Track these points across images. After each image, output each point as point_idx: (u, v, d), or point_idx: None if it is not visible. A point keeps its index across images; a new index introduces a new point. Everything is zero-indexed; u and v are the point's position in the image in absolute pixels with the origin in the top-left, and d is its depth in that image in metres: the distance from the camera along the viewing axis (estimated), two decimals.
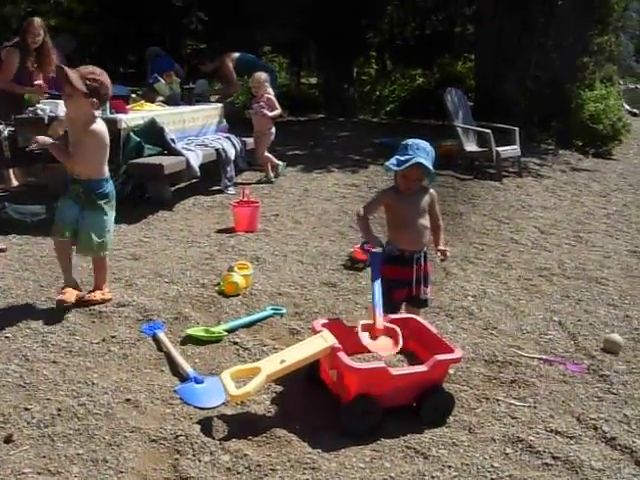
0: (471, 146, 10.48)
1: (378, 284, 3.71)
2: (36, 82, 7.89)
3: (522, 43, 13.67)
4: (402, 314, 3.96)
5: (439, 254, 4.11)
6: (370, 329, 3.56)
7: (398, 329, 3.56)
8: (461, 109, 10.81)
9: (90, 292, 4.56)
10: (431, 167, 3.77)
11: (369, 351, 3.48)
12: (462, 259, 6.08)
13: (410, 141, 3.88)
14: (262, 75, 8.81)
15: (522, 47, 13.66)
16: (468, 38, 17.60)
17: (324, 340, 3.37)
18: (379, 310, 3.62)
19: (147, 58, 11.39)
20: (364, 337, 3.48)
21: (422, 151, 3.80)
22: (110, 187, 4.51)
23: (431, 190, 4.02)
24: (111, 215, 4.55)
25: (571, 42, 13.93)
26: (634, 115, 21.96)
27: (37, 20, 7.90)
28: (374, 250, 3.89)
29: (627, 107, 19.28)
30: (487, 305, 5.08)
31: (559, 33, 13.70)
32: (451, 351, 3.46)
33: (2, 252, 4.80)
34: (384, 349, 3.45)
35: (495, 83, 14.23)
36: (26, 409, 3.26)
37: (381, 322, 3.58)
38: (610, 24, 15.09)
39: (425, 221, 3.98)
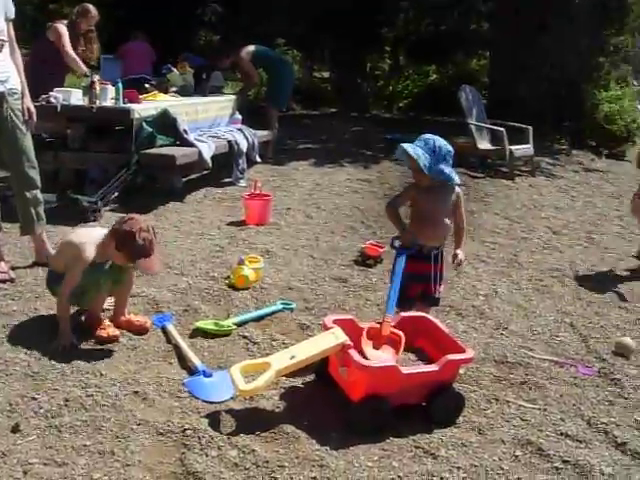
0: (484, 144, 10.42)
1: (397, 285, 3.68)
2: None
3: (538, 42, 13.59)
4: (414, 312, 3.93)
5: (454, 258, 4.06)
6: (375, 335, 3.56)
7: (402, 335, 3.55)
8: (475, 107, 10.75)
9: None
10: (418, 154, 3.72)
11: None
12: (474, 258, 6.04)
13: (424, 135, 3.86)
14: None
15: (537, 46, 13.58)
16: (483, 35, 17.51)
17: (335, 337, 3.35)
18: (389, 315, 3.61)
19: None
20: (367, 347, 3.49)
21: (421, 142, 3.79)
22: None
23: (457, 190, 3.97)
24: None
25: (587, 42, 13.85)
26: None
27: (93, 8, 7.86)
28: (402, 247, 3.87)
29: None
30: (498, 305, 5.05)
31: (575, 32, 13.61)
32: (462, 351, 3.43)
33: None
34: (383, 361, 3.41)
35: (509, 81, 14.16)
36: (33, 399, 3.25)
37: (388, 329, 3.57)
38: (627, 24, 14.97)
39: (446, 219, 3.95)
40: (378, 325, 3.62)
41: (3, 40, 4.55)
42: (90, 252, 3.80)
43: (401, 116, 16.98)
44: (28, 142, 4.86)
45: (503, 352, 4.20)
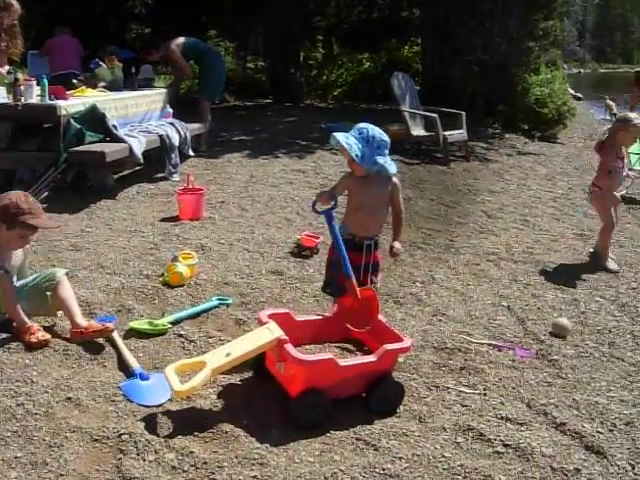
0: (418, 130, 10.48)
1: (342, 248, 3.64)
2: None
3: (468, 27, 13.72)
4: None
5: (391, 249, 4.02)
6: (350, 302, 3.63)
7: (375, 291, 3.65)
8: (408, 93, 10.79)
9: None
10: (351, 144, 3.66)
11: (316, 341, 3.45)
12: (410, 245, 6.05)
13: (359, 124, 3.81)
14: None
15: (468, 31, 13.71)
16: (415, 22, 17.61)
17: (270, 332, 3.29)
18: (350, 277, 3.62)
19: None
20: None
21: (355, 131, 3.74)
22: None
23: (394, 180, 3.91)
24: None
25: (516, 27, 14.03)
26: (578, 99, 22.30)
27: (16, 2, 7.59)
28: (326, 207, 3.74)
29: (571, 91, 19.53)
30: (436, 291, 5.07)
31: (505, 17, 13.79)
32: (400, 340, 3.42)
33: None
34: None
35: (441, 67, 14.29)
36: None
37: (357, 290, 3.62)
38: (555, 9, 15.22)
39: (380, 209, 3.90)
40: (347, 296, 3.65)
41: None
42: None
43: (336, 105, 16.99)
44: None
45: (442, 338, 4.21)
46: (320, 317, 3.85)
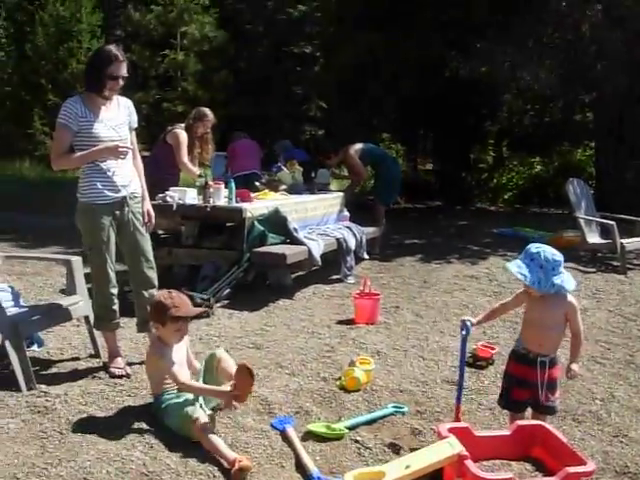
0: (594, 238, 10.24)
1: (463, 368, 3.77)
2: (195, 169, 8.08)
3: None
4: (529, 420, 3.85)
5: (568, 371, 3.95)
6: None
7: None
8: (584, 200, 10.61)
9: None
10: (526, 275, 3.72)
11: (494, 458, 3.42)
12: (588, 359, 5.87)
13: (528, 245, 3.88)
14: None
15: None
16: (588, 125, 17.41)
17: (451, 446, 3.30)
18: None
19: (276, 150, 11.63)
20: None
21: (527, 258, 3.78)
22: None
23: (569, 299, 3.88)
24: None
25: None
26: None
27: (210, 112, 8.22)
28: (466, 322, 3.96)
29: None
30: (616, 410, 4.86)
31: None
32: (582, 463, 3.32)
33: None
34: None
35: (616, 171, 13.98)
36: None
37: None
38: None
39: (553, 327, 3.88)
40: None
41: (128, 148, 4.83)
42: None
43: (507, 209, 16.89)
44: (147, 244, 5.10)
45: (624, 462, 4.02)
46: (499, 434, 3.82)
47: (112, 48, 4.80)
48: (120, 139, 4.82)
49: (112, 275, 4.95)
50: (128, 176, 4.94)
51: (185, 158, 7.75)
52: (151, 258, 5.13)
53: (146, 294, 5.07)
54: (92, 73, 4.76)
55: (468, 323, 3.97)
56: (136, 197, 5.02)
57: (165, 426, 4.04)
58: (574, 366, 3.91)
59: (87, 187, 4.79)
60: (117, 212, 4.87)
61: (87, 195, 4.79)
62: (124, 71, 4.78)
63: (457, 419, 4.01)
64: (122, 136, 4.86)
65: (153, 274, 5.14)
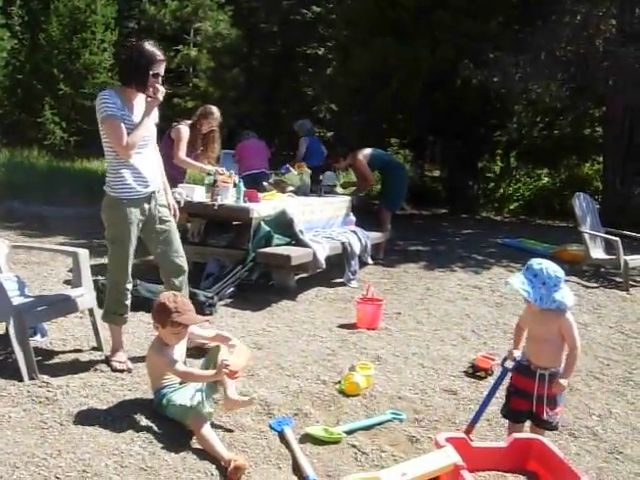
0: (598, 253, 10.24)
1: (488, 401, 3.74)
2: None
3: None
4: (526, 434, 3.88)
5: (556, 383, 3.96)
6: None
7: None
8: (589, 215, 10.61)
9: None
10: (528, 291, 3.77)
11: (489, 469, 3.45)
12: (587, 374, 5.89)
13: (531, 261, 3.90)
14: None
15: None
16: (597, 140, 17.40)
17: (448, 456, 3.33)
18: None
19: (298, 131, 11.64)
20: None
21: (530, 274, 3.82)
22: None
23: (566, 316, 3.90)
24: None
25: None
26: None
27: (216, 110, 8.26)
28: (507, 365, 4.01)
29: None
30: (613, 426, 4.88)
31: None
32: (577, 478, 3.34)
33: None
34: None
35: (623, 187, 13.99)
36: None
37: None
38: None
39: (550, 341, 3.91)
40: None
41: (154, 144, 4.94)
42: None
43: (512, 219, 16.89)
44: (176, 235, 5.19)
45: (618, 479, 4.05)
46: (496, 446, 3.84)
47: (154, 48, 4.83)
48: (149, 133, 4.92)
49: (129, 271, 5.00)
50: (155, 171, 5.04)
51: (181, 152, 7.80)
52: (180, 247, 5.22)
53: (176, 282, 5.18)
54: (136, 71, 4.77)
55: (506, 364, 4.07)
56: (160, 191, 5.11)
57: (166, 418, 4.10)
58: (562, 380, 3.91)
59: (118, 182, 4.82)
60: (145, 206, 4.94)
61: (117, 190, 4.83)
62: (163, 70, 4.87)
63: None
64: (151, 130, 4.97)
65: (183, 261, 5.23)
